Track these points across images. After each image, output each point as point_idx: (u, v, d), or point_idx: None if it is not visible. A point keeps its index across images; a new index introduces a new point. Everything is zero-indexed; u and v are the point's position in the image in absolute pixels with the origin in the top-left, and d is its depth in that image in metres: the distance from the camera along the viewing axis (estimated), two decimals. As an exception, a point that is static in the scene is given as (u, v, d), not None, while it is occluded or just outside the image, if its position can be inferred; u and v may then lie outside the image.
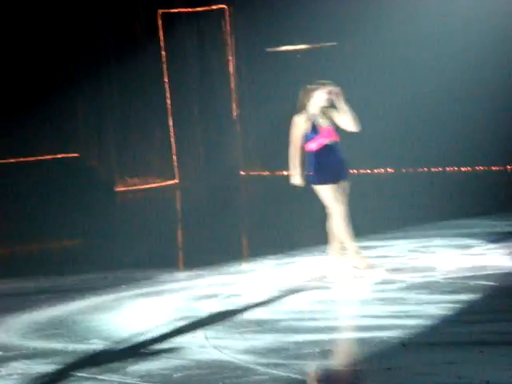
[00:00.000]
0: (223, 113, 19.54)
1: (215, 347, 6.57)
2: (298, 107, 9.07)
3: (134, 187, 18.38)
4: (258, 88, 19.01)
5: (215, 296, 8.44)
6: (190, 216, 15.65)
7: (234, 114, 19.41)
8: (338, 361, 6.26)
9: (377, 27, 17.94)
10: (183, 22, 19.03)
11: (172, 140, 19.01)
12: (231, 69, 19.12)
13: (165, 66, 18.60)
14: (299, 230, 12.68)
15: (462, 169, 18.37)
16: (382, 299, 8.08)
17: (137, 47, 18.11)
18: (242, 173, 19.64)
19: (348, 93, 12.07)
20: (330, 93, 8.98)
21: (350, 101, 10.10)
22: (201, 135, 19.49)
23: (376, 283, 8.75)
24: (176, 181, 19.01)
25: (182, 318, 7.60)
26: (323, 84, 9.05)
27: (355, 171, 16.29)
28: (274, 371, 5.90)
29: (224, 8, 18.90)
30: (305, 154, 9.30)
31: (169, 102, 18.73)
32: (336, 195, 9.02)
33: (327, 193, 9.00)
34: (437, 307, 7.50)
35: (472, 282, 8.44)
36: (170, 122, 18.88)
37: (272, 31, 18.81)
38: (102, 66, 18.18)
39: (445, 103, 17.90)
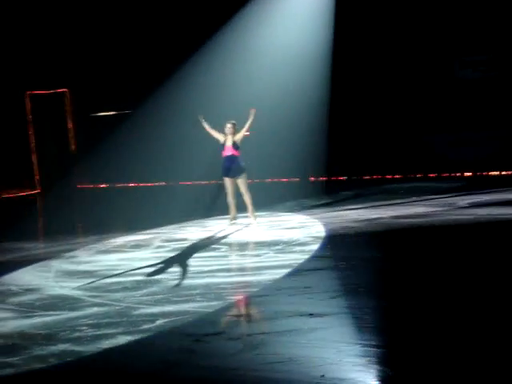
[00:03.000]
0: (66, 149, 21.44)
1: (61, 287, 7.15)
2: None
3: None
4: (88, 134, 20.82)
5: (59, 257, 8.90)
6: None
7: (72, 148, 21.59)
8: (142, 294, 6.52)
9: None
10: (42, 99, 21.15)
11: (35, 166, 21.31)
12: (70, 124, 21.50)
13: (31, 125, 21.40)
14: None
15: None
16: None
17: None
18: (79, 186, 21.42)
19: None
20: (231, 125, 10.43)
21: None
22: (53, 162, 21.14)
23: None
24: (38, 190, 20.98)
25: (39, 271, 8.05)
26: (228, 121, 10.56)
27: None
28: (95, 300, 6.40)
29: (66, 91, 21.30)
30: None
31: (33, 144, 21.25)
32: (230, 184, 10.47)
33: (226, 182, 10.57)
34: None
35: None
36: (34, 156, 21.40)
37: (93, 103, 20.85)
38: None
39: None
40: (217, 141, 10.62)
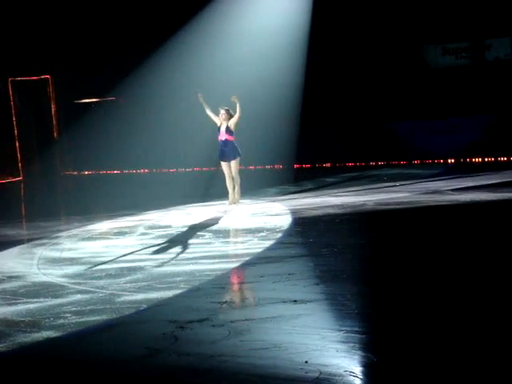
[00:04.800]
0: (49, 136, 21.26)
1: (44, 274, 7.14)
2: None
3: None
4: (71, 121, 20.64)
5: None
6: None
7: (55, 135, 21.58)
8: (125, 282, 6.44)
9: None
10: (25, 85, 20.90)
11: (18, 153, 20.85)
12: (53, 111, 21.32)
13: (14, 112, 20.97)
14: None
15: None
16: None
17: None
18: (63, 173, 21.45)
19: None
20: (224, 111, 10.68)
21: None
22: (36, 149, 20.95)
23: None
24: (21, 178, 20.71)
25: (22, 258, 8.05)
26: (222, 107, 10.84)
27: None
28: (79, 287, 6.42)
29: (48, 77, 21.06)
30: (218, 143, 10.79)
31: (16, 131, 20.73)
32: (227, 168, 10.85)
33: (223, 167, 10.95)
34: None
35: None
36: (17, 143, 20.86)
37: (76, 90, 20.74)
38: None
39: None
40: (214, 124, 10.87)
